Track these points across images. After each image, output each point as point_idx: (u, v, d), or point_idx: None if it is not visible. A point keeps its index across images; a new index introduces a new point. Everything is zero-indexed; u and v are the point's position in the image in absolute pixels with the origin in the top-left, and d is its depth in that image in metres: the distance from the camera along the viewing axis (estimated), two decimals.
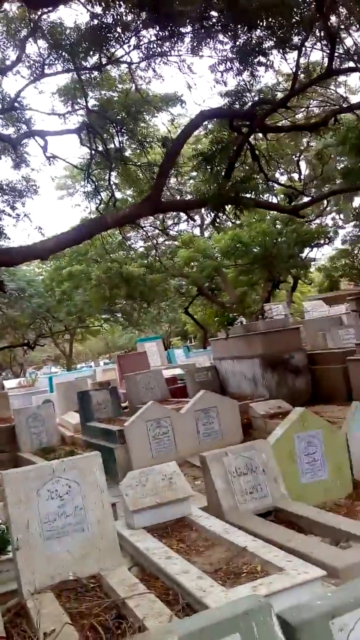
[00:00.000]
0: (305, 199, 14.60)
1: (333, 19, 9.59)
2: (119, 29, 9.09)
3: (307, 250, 22.56)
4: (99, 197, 12.68)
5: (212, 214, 8.92)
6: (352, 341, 11.44)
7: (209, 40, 9.27)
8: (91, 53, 9.79)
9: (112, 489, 5.46)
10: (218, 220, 9.54)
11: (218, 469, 4.88)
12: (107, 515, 3.95)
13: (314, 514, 4.77)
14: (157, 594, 3.43)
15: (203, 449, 6.44)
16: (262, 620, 2.15)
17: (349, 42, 10.70)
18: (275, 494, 4.97)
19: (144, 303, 22.95)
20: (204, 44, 9.40)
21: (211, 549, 4.09)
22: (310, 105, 14.95)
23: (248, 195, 8.34)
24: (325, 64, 9.71)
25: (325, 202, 22.16)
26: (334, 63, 9.96)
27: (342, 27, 10.15)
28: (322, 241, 22.26)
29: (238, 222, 17.43)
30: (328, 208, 23.80)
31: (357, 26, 10.16)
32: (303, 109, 14.85)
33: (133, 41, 9.58)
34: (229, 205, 8.53)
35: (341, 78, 15.25)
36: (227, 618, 2.11)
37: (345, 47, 10.51)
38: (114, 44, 9.49)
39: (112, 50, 9.93)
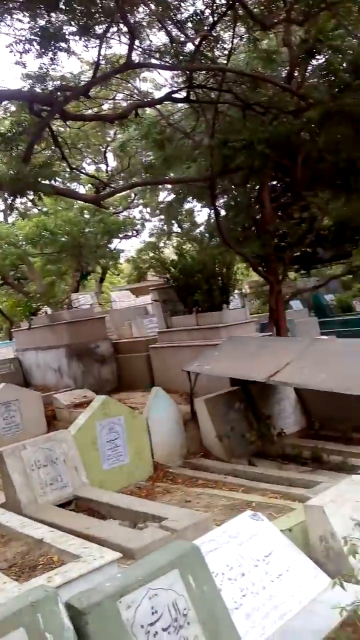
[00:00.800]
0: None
1: (137, 14, 9.76)
2: None
3: (116, 241, 22.84)
4: None
5: (11, 199, 8.55)
6: (155, 330, 11.86)
7: (6, 16, 8.81)
8: None
9: None
10: (16, 205, 9.16)
11: (15, 463, 4.73)
12: None
13: (113, 498, 4.88)
14: None
15: (4, 444, 6.19)
16: (48, 610, 2.12)
17: (153, 39, 10.98)
18: (76, 482, 4.98)
19: None
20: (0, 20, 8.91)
21: (7, 545, 3.96)
22: (117, 98, 15.08)
23: (48, 182, 8.13)
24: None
25: (132, 194, 22.57)
26: (139, 58, 10.16)
27: (144, 24, 10.39)
28: (129, 233, 22.70)
29: (44, 209, 17.00)
30: (135, 201, 24.25)
31: (159, 25, 10.48)
32: (110, 100, 14.96)
33: None
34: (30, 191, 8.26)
35: (148, 74, 15.57)
36: (10, 613, 2.04)
37: (147, 44, 10.78)
38: None
39: None
